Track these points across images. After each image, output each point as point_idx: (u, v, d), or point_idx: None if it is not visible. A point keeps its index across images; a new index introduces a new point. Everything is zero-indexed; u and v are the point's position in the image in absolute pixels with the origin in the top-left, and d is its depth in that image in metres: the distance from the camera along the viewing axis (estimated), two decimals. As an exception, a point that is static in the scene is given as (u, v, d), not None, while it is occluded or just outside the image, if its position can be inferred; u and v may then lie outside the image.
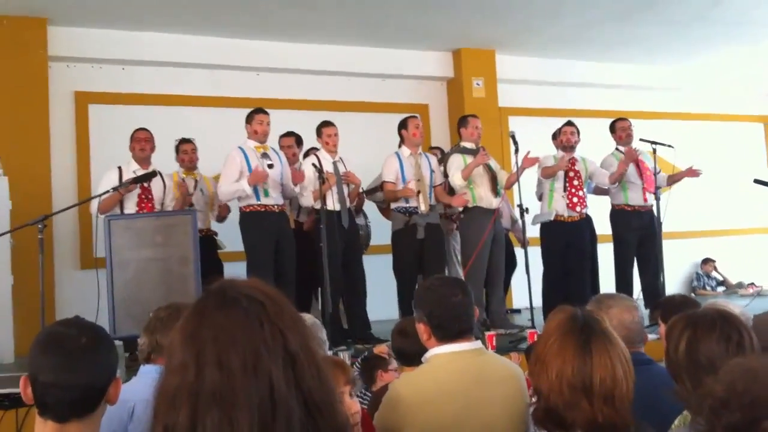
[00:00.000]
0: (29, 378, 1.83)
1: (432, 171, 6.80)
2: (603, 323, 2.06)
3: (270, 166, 6.26)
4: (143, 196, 6.17)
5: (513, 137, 6.62)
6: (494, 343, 5.35)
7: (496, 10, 8.16)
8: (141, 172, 6.14)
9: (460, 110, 8.73)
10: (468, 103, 9.15)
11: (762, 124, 11.62)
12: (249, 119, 6.37)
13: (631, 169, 7.14)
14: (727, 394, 1.46)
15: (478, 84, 9.39)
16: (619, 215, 7.26)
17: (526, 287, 6.39)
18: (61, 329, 1.88)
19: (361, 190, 6.95)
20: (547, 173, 6.96)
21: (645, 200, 7.14)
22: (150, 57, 8.09)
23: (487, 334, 5.53)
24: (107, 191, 5.92)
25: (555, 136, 7.28)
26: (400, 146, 6.89)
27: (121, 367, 4.81)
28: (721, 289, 10.50)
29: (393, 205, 6.74)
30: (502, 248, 6.91)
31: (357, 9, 7.84)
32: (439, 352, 2.62)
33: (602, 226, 7.31)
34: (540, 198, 7.18)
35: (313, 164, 6.33)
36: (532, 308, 6.36)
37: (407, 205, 6.63)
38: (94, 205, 6.03)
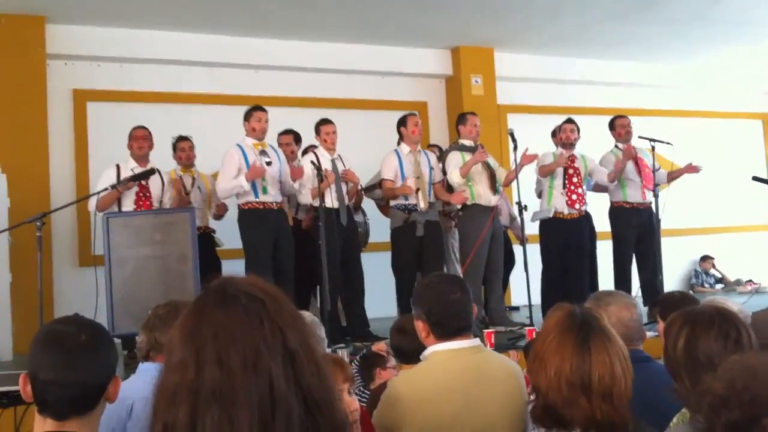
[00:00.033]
0: (29, 376, 1.83)
1: (431, 168, 6.80)
2: (601, 320, 2.06)
3: (268, 163, 6.25)
4: (141, 194, 6.17)
5: (512, 135, 6.63)
6: (493, 341, 5.35)
7: (496, 10, 8.15)
8: (139, 170, 6.13)
9: (458, 108, 8.72)
10: (467, 101, 9.15)
11: (761, 121, 11.63)
12: (247, 117, 6.36)
13: (630, 166, 7.15)
14: (727, 392, 1.46)
15: (476, 82, 9.39)
16: (618, 212, 7.27)
17: (524, 285, 6.39)
18: (60, 327, 1.88)
19: (359, 188, 6.95)
20: (544, 172, 6.96)
21: (644, 197, 7.15)
22: (148, 55, 8.07)
23: (485, 331, 5.52)
24: (105, 189, 5.92)
25: (554, 134, 7.28)
26: (399, 144, 6.88)
27: (120, 365, 4.82)
28: (719, 286, 10.51)
29: (392, 203, 6.74)
30: (500, 246, 6.92)
31: (356, 7, 7.83)
32: (437, 349, 2.62)
33: (601, 223, 7.31)
34: (539, 195, 7.19)
35: (312, 162, 6.33)
36: (530, 306, 6.36)
37: (407, 202, 6.63)
38: (93, 202, 6.03)
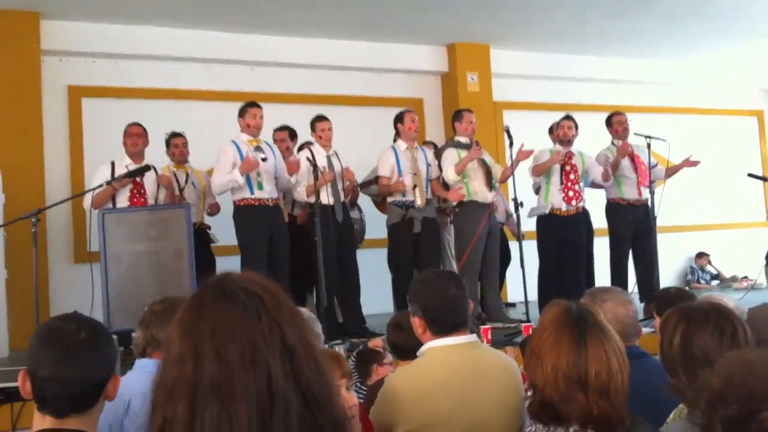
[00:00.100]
0: (28, 373, 1.83)
1: (428, 165, 6.79)
2: (597, 316, 2.07)
3: (264, 159, 6.24)
4: (135, 191, 6.15)
5: (507, 131, 6.63)
6: (490, 337, 5.36)
7: (492, 6, 8.15)
8: (134, 166, 6.11)
9: (454, 105, 8.72)
10: (462, 98, 9.14)
11: (755, 118, 11.65)
12: (242, 113, 6.34)
13: (626, 163, 7.16)
14: (724, 387, 1.47)
15: (472, 78, 9.39)
16: (614, 209, 7.27)
17: (521, 281, 6.40)
18: (60, 324, 1.88)
19: (355, 184, 6.95)
20: (538, 171, 6.96)
21: (640, 194, 7.16)
22: (143, 51, 8.05)
23: (482, 327, 5.53)
24: (100, 185, 5.91)
25: (552, 130, 7.28)
26: (395, 140, 6.87)
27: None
28: (715, 282, 10.54)
29: (389, 199, 6.73)
30: (497, 242, 6.92)
31: (352, 4, 7.82)
32: (434, 345, 2.62)
33: (597, 220, 7.32)
34: (537, 191, 7.19)
35: (308, 158, 6.32)
36: (527, 302, 6.37)
37: (404, 198, 6.62)
38: (88, 199, 6.01)
